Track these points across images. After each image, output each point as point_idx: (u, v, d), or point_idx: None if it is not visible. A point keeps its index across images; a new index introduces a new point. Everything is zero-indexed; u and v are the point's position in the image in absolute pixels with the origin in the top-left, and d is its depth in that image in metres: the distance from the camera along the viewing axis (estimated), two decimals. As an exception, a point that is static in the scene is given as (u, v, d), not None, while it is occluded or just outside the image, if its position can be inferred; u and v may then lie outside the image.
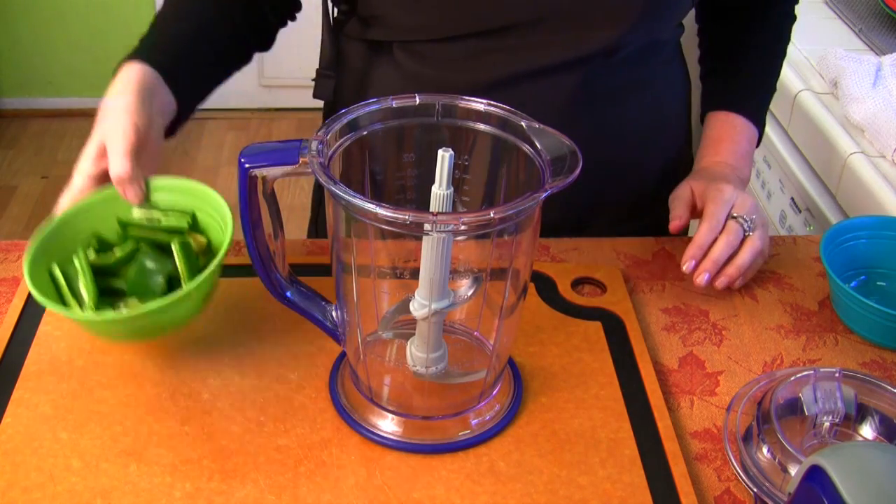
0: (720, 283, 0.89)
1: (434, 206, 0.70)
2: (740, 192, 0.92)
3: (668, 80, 1.03)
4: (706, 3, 1.10)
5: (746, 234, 0.90)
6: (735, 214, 0.90)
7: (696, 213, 0.94)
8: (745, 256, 0.89)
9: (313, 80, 1.05)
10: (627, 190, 1.05)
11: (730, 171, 0.99)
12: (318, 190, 1.13)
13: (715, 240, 0.89)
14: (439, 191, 0.70)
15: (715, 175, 0.97)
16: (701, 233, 0.90)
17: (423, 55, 0.95)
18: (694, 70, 1.10)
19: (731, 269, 0.89)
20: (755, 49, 1.07)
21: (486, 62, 0.93)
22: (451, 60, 0.94)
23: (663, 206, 0.99)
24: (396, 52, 0.97)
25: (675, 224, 0.93)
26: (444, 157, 0.68)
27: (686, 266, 0.88)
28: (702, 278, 0.88)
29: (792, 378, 0.77)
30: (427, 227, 0.66)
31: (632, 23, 0.91)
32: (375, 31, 0.97)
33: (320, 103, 1.09)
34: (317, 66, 1.05)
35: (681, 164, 1.10)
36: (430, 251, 0.69)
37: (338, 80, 1.05)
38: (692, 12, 1.05)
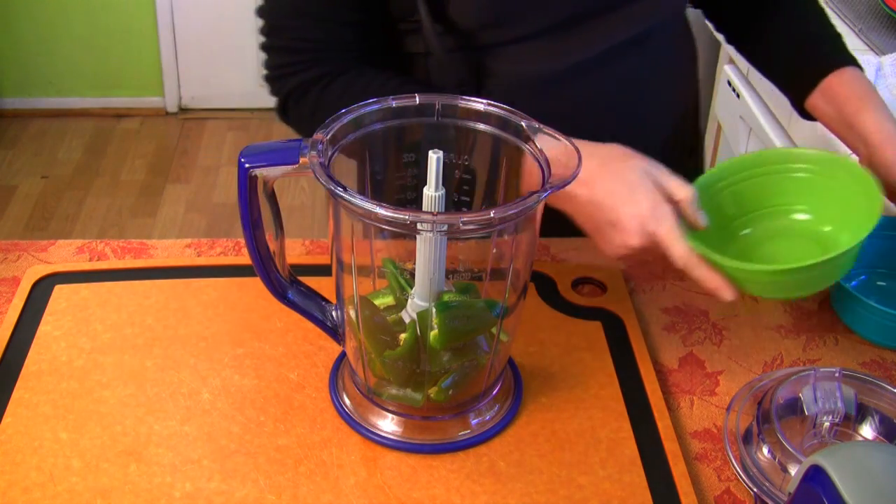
0: None
1: (426, 207, 0.70)
2: None
3: (678, 57, 1.04)
4: None
5: None
6: None
7: None
8: None
9: None
10: None
11: None
12: None
13: None
14: (430, 192, 0.70)
15: None
16: None
17: (496, 56, 0.93)
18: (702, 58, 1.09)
19: None
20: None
21: (552, 55, 0.94)
22: (523, 55, 0.93)
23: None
24: (470, 56, 0.94)
25: None
26: (433, 158, 0.68)
27: None
28: None
29: (792, 378, 0.77)
30: (427, 227, 0.66)
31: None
32: (450, 38, 0.94)
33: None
34: None
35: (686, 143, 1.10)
36: (428, 251, 0.69)
37: None
38: None
